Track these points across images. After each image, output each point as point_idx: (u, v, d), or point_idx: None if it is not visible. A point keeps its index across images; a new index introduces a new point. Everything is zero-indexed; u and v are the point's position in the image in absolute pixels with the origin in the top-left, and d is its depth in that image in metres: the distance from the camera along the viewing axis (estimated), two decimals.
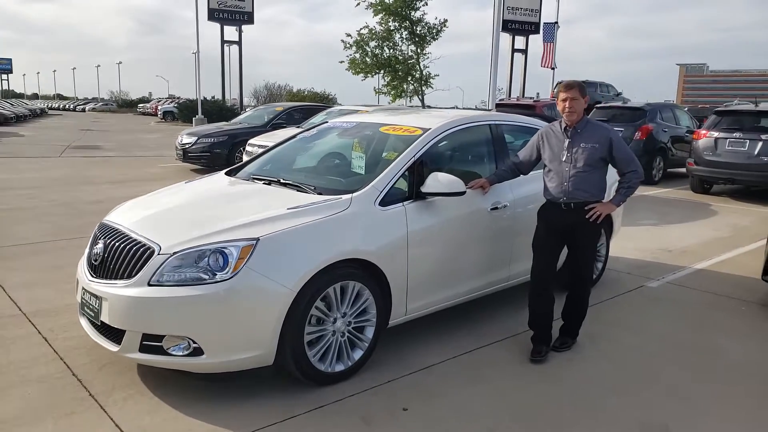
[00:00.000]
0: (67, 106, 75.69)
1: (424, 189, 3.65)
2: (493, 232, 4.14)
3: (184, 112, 36.72)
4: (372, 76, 22.98)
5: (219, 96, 34.35)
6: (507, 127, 4.56)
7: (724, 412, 3.20)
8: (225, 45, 33.03)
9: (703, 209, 9.45)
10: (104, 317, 3.12)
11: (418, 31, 22.50)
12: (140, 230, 3.26)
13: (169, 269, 2.99)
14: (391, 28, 22.28)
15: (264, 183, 3.95)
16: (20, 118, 35.16)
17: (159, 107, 46.50)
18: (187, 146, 12.17)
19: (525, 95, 29.17)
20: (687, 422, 3.08)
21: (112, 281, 3.13)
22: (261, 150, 10.12)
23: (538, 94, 35.56)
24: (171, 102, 50.52)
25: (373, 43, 22.49)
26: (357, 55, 22.72)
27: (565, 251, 3.89)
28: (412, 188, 3.70)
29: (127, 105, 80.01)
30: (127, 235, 3.25)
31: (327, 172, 4.28)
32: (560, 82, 3.88)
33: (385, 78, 22.94)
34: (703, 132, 10.46)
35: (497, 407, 3.16)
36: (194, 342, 2.94)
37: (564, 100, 3.67)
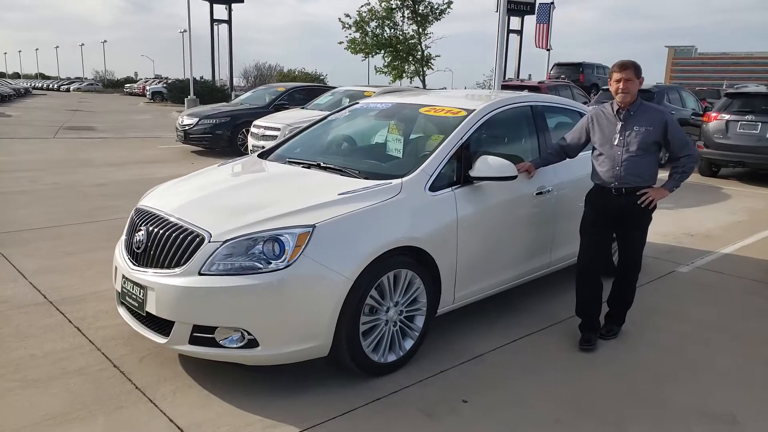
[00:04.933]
0: (50, 86, 74.14)
1: (473, 173, 3.52)
2: (537, 217, 4.04)
3: (173, 92, 36.03)
4: (372, 56, 22.61)
5: (208, 76, 33.76)
6: (546, 108, 4.43)
7: None
8: (214, 24, 32.41)
9: (715, 192, 9.42)
10: (150, 308, 2.98)
11: (420, 11, 22.07)
12: (185, 216, 3.10)
13: (221, 257, 2.85)
14: (393, 6, 21.84)
15: (303, 167, 3.80)
16: (4, 98, 34.32)
17: (147, 87, 45.59)
18: (188, 127, 11.90)
19: (519, 77, 29.01)
20: (752, 410, 3.02)
21: (159, 270, 2.98)
22: (267, 131, 9.98)
23: (530, 75, 35.37)
24: (159, 82, 49.61)
25: (373, 23, 22.04)
26: (357, 35, 22.28)
27: None
28: (459, 172, 3.57)
29: (112, 85, 78.51)
30: (171, 222, 3.09)
31: (369, 155, 4.12)
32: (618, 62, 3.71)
33: (386, 58, 22.53)
34: (714, 114, 10.40)
35: (556, 399, 3.08)
36: (249, 333, 2.82)
37: (618, 81, 3.54)
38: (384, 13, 21.85)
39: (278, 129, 9.82)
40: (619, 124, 3.60)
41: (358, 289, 2.94)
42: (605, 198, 3.68)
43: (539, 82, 13.93)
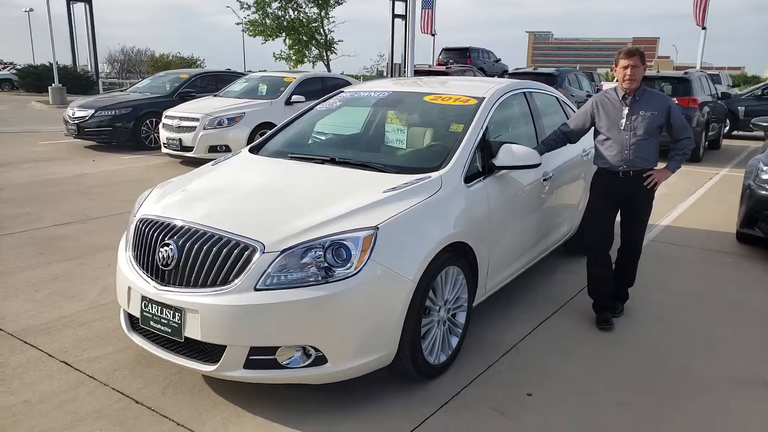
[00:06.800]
0: None
1: (498, 162, 3.45)
2: (545, 202, 4.08)
3: (27, 80, 32.10)
4: (273, 40, 21.62)
5: (65, 61, 30.47)
6: (533, 93, 4.47)
7: None
8: (71, 3, 29.32)
9: None
10: (192, 332, 2.60)
11: None
12: (221, 225, 2.72)
13: (278, 269, 2.55)
14: None
15: (316, 162, 3.51)
16: None
17: None
18: (81, 120, 10.67)
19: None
20: None
21: (201, 289, 2.60)
22: (183, 122, 9.22)
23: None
24: (4, 68, 44.09)
25: (275, 4, 21.08)
26: (256, 16, 21.19)
27: None
28: (483, 162, 3.49)
29: None
30: (207, 233, 2.70)
31: (383, 147, 3.86)
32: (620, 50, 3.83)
33: (287, 42, 21.67)
34: None
35: (605, 381, 3.13)
36: (317, 350, 2.56)
37: (625, 68, 3.63)
38: None
39: (196, 119, 9.11)
40: (626, 109, 3.71)
41: (419, 290, 2.78)
42: (612, 181, 3.78)
43: (447, 68, 14.19)
